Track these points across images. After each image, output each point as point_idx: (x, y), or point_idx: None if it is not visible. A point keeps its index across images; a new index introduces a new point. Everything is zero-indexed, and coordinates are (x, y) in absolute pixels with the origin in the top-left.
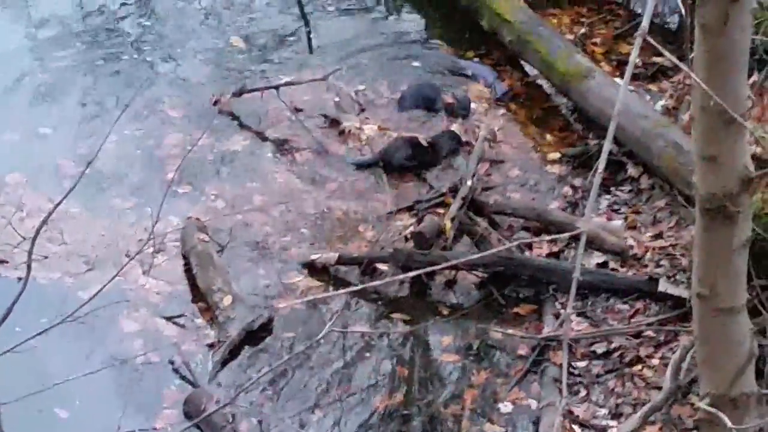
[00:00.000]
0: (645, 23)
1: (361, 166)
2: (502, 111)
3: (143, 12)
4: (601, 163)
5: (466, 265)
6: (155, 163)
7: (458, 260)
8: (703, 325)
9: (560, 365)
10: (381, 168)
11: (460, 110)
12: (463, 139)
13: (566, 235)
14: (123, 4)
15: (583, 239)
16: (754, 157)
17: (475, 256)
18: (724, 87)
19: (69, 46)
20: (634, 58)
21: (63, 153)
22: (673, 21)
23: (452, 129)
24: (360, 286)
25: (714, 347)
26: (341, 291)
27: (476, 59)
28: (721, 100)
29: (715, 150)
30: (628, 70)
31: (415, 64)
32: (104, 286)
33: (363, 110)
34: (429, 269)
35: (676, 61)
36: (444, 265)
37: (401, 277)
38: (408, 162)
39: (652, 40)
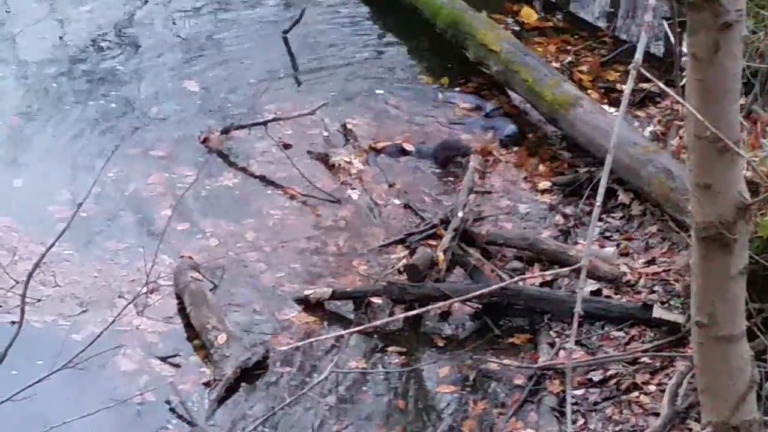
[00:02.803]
0: (639, 56)
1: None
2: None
3: (115, 53)
4: (599, 197)
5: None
6: (144, 204)
7: (469, 295)
8: (703, 354)
9: (557, 394)
10: None
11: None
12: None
13: (566, 270)
14: (95, 47)
15: (584, 273)
16: (746, 180)
17: (479, 291)
18: (717, 115)
19: (41, 90)
20: (629, 90)
21: (52, 198)
22: (658, 46)
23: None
24: (364, 326)
25: (714, 376)
26: (345, 332)
27: (457, 89)
28: (715, 129)
29: (710, 178)
30: (623, 104)
31: (402, 94)
32: (104, 329)
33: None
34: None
35: (671, 92)
36: (454, 299)
37: (406, 315)
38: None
39: (646, 73)
